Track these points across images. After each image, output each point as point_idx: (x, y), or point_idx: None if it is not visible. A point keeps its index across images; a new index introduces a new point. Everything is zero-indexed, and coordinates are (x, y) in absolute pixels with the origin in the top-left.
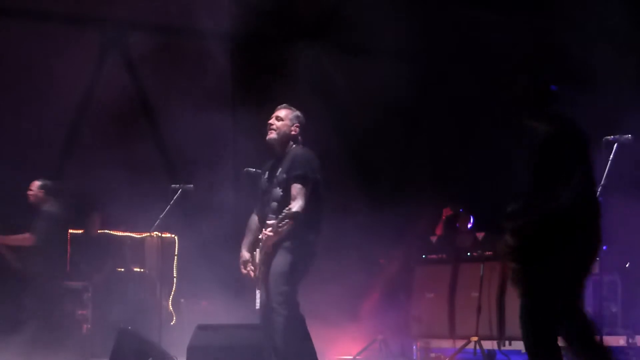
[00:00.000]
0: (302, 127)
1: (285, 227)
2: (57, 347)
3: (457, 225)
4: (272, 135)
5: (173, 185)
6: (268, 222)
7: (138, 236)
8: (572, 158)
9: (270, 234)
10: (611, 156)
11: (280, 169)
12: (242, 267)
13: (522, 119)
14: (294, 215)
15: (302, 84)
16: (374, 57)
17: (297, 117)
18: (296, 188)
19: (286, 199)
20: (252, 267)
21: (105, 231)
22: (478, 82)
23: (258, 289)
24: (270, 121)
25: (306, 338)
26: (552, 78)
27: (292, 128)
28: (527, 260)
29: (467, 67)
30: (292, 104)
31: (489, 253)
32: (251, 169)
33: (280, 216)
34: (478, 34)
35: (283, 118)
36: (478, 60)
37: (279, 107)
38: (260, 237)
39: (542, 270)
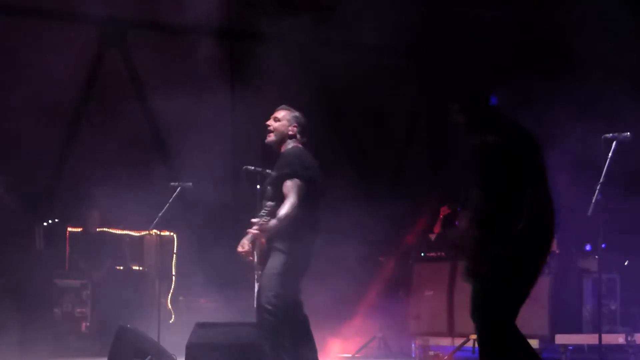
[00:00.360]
0: (303, 128)
1: (270, 224)
2: (56, 345)
3: (456, 223)
4: (270, 138)
5: (172, 184)
6: (253, 220)
7: (137, 234)
8: (521, 176)
9: (256, 231)
10: (610, 154)
11: (274, 169)
12: (239, 247)
13: (473, 141)
14: (273, 211)
15: (301, 80)
16: (370, 50)
17: (296, 117)
18: (287, 186)
19: (277, 197)
20: (247, 247)
21: (104, 229)
22: (476, 77)
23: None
24: (268, 122)
25: (309, 338)
26: (490, 91)
27: (290, 128)
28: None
29: (466, 62)
30: (293, 102)
31: None
32: (250, 167)
33: (263, 212)
34: (477, 28)
35: (280, 119)
36: (476, 54)
37: (278, 108)
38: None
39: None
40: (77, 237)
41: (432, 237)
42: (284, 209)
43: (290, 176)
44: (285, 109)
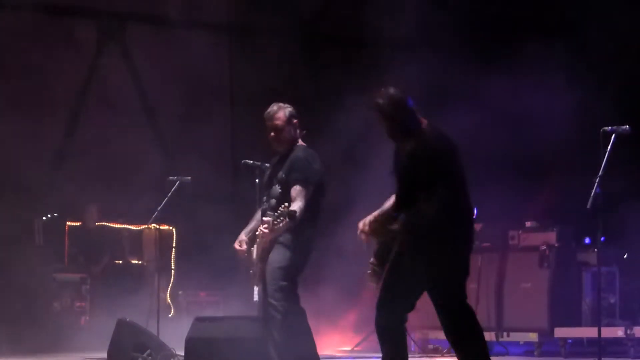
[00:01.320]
0: (298, 118)
1: (281, 225)
2: (56, 339)
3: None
4: (280, 148)
5: (170, 178)
6: (264, 218)
7: (136, 228)
8: (433, 172)
9: (266, 231)
10: (609, 147)
11: (281, 169)
12: (236, 243)
13: (396, 142)
14: (290, 214)
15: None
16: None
17: (290, 112)
18: (296, 190)
19: (284, 198)
20: (245, 245)
21: (103, 223)
22: None
23: (255, 285)
24: (271, 135)
25: (307, 332)
26: (405, 93)
27: (292, 129)
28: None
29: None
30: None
31: (487, 245)
32: (249, 161)
33: (276, 213)
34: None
35: (280, 127)
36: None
37: (267, 114)
38: (257, 232)
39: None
40: (75, 232)
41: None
42: (292, 210)
43: (300, 181)
44: (277, 112)
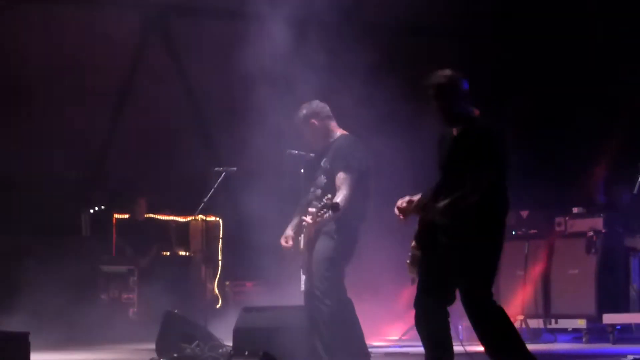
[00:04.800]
0: (328, 110)
1: (324, 216)
2: (104, 331)
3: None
4: (318, 146)
5: (216, 169)
6: (309, 209)
7: (183, 220)
8: (482, 156)
9: (310, 221)
10: None
11: (325, 158)
12: (282, 239)
13: (447, 123)
14: (333, 206)
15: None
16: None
17: (317, 109)
18: (340, 178)
19: (329, 187)
20: (291, 242)
21: (151, 215)
22: None
23: (303, 274)
24: (305, 137)
25: (354, 322)
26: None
27: (323, 124)
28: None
29: None
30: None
31: (534, 231)
32: (293, 151)
33: (320, 204)
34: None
35: (311, 127)
36: None
37: (298, 115)
38: (302, 223)
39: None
40: (124, 224)
41: None
42: (335, 202)
43: (343, 169)
44: (304, 113)
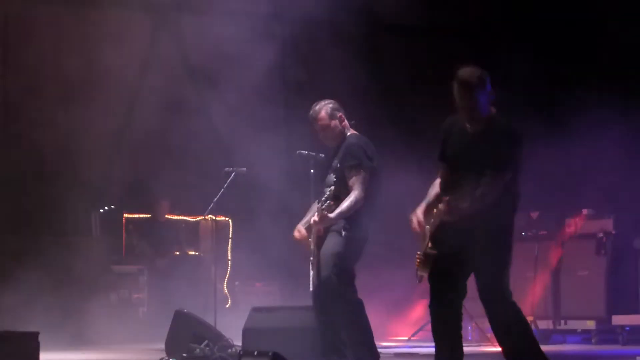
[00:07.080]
0: (343, 111)
1: (333, 214)
2: (114, 330)
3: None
4: (331, 144)
5: (226, 169)
6: (318, 206)
7: (192, 219)
8: (500, 155)
9: (317, 218)
10: None
11: (336, 158)
12: (295, 232)
13: (467, 119)
14: (335, 195)
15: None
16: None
17: (333, 108)
18: (351, 177)
19: (339, 186)
20: (304, 231)
21: (171, 217)
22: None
23: (312, 270)
24: (319, 133)
25: (364, 323)
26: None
27: (337, 123)
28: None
29: None
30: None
31: (544, 232)
32: (303, 152)
33: (326, 204)
34: None
35: (324, 125)
36: None
37: (311, 116)
38: (311, 221)
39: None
40: (142, 224)
41: None
42: (350, 201)
43: (355, 168)
44: (319, 111)
